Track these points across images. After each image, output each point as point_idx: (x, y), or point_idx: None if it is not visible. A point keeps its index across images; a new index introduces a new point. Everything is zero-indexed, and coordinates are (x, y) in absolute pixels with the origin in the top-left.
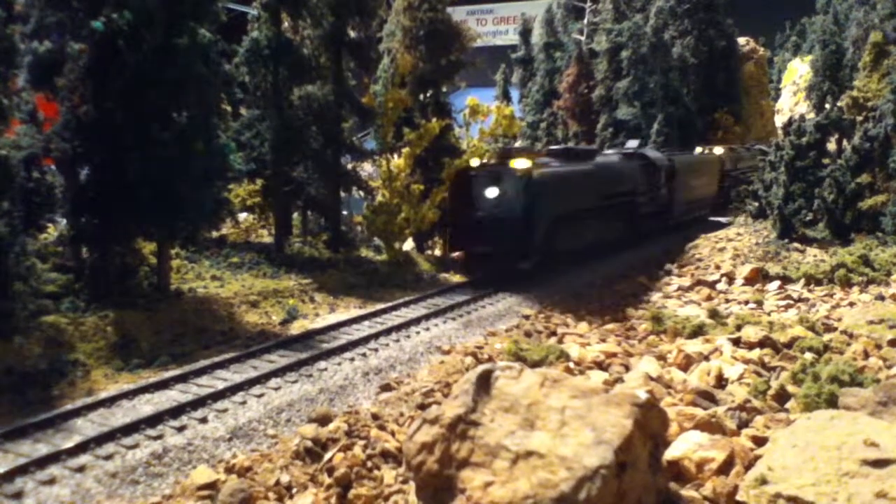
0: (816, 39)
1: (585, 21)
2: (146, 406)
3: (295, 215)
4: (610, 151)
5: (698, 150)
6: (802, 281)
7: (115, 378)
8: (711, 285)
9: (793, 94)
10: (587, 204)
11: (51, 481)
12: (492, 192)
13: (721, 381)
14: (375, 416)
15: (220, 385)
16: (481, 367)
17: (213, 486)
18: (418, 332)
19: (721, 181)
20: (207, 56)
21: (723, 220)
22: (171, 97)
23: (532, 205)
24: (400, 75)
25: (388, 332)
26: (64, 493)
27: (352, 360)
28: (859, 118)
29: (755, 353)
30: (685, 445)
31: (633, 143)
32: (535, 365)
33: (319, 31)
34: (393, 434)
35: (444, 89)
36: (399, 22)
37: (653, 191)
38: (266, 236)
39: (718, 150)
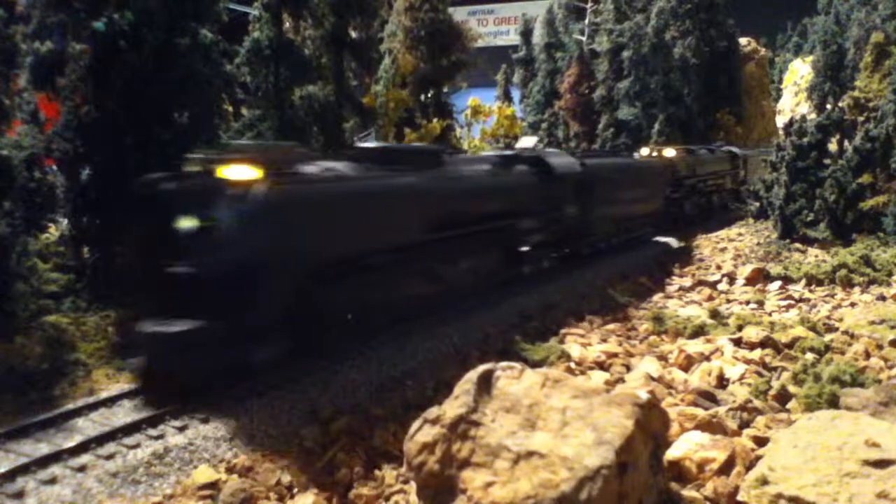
0: (818, 40)
1: (586, 21)
2: (147, 405)
3: None
4: (489, 154)
5: (644, 151)
6: (804, 281)
7: (116, 378)
8: (713, 285)
9: (794, 95)
10: (403, 238)
11: (52, 480)
12: (188, 224)
13: (722, 382)
14: (377, 416)
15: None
16: (482, 367)
17: (214, 485)
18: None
19: (672, 191)
20: (209, 56)
21: (673, 241)
22: (173, 97)
23: (256, 246)
24: (401, 75)
25: None
26: (65, 492)
27: (353, 359)
28: (860, 118)
29: (756, 354)
30: (686, 446)
31: (527, 141)
32: (536, 365)
33: (321, 32)
34: (394, 434)
35: (446, 89)
36: (400, 22)
37: (552, 209)
38: None
39: (670, 153)
